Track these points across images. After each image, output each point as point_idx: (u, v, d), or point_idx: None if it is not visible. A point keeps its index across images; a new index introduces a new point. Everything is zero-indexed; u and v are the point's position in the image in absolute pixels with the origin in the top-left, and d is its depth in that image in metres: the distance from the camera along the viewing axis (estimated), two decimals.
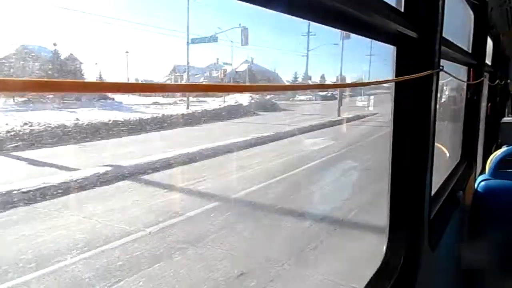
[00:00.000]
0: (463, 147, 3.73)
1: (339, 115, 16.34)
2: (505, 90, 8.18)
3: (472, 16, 3.55)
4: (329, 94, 23.71)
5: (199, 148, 8.58)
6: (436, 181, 3.13)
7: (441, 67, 1.86)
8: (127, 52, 16.35)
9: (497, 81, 5.69)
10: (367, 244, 4.86)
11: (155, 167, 7.12)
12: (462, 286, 3.06)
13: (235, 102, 16.60)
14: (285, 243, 5.04)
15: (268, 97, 20.86)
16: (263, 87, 1.73)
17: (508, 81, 8.79)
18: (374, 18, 1.49)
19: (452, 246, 2.84)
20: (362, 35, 1.74)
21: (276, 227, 5.49)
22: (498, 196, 2.86)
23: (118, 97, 16.71)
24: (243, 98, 17.46)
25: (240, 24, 15.88)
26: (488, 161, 3.24)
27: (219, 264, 4.35)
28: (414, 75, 1.70)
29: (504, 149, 3.04)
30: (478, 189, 2.95)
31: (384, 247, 1.85)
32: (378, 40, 1.75)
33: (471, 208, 3.00)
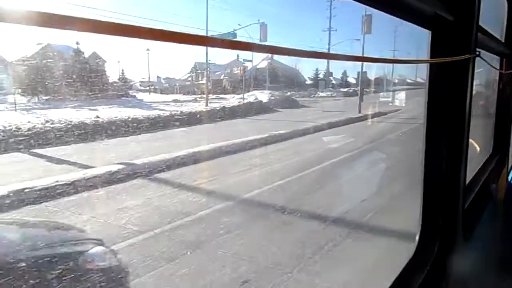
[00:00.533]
0: (495, 140, 3.61)
1: (359, 112, 16.09)
2: None
3: (506, 5, 3.42)
4: (350, 91, 23.45)
5: (215, 145, 8.57)
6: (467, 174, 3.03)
7: (478, 53, 1.78)
8: (148, 50, 16.52)
9: None
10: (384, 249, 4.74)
11: (170, 164, 7.07)
12: (496, 279, 2.95)
13: (255, 99, 16.57)
14: (296, 246, 4.82)
15: (288, 93, 20.74)
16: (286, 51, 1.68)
17: None
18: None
19: (485, 238, 2.75)
20: (397, 16, 1.67)
21: (288, 229, 5.29)
22: None
23: (139, 94, 16.94)
24: (263, 95, 17.40)
25: (259, 20, 15.82)
26: None
27: (222, 270, 4.18)
28: (450, 58, 1.63)
29: None
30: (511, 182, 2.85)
31: (417, 237, 1.80)
32: (413, 23, 1.67)
33: (504, 201, 2.90)
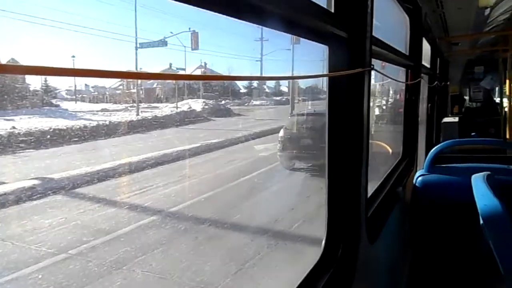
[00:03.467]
0: (404, 145, 3.88)
1: None
2: (445, 92, 8.68)
3: (408, 21, 3.72)
4: (283, 99, 24.02)
5: (144, 156, 8.27)
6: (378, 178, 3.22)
7: (372, 66, 1.90)
8: (73, 56, 15.64)
9: (435, 83, 6.00)
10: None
11: (93, 178, 6.62)
12: (404, 275, 3.16)
13: (188, 108, 16.35)
14: (223, 261, 4.70)
15: (223, 102, 20.73)
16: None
17: (448, 83, 9.35)
18: (305, 19, 1.50)
19: (393, 238, 2.92)
20: (295, 35, 1.75)
21: (217, 243, 5.14)
22: (432, 190, 2.99)
23: (65, 103, 15.95)
24: (197, 104, 17.23)
25: (189, 28, 15.66)
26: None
27: None
28: (345, 71, 1.72)
29: (438, 145, 3.19)
30: (416, 184, 3.07)
31: (323, 243, 1.86)
32: (311, 40, 1.75)
33: (410, 202, 3.12)
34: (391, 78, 3.06)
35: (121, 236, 4.90)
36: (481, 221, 1.96)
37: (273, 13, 1.26)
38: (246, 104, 24.16)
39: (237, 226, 5.62)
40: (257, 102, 24.99)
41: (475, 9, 4.16)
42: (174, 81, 20.73)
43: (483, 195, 2.07)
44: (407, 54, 3.67)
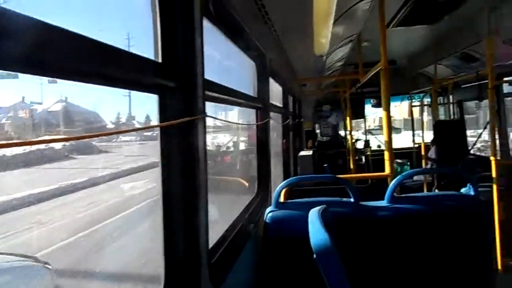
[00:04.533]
0: (258, 181, 4.08)
1: None
2: (300, 128, 9.58)
3: (254, 65, 4.02)
4: (154, 134, 23.52)
5: None
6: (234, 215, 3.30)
7: (205, 113, 1.96)
8: None
9: (288, 120, 6.57)
10: None
11: None
12: None
13: (46, 145, 14.80)
14: None
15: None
16: None
17: (302, 119, 10.35)
18: (130, 72, 1.48)
19: (245, 276, 2.99)
20: (122, 88, 1.71)
21: None
22: (280, 226, 3.17)
23: None
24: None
25: None
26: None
27: None
28: (176, 121, 1.73)
29: (283, 183, 3.41)
30: (267, 220, 3.22)
31: None
32: (139, 91, 1.74)
33: (262, 239, 3.25)
34: (230, 122, 3.22)
35: None
36: (315, 256, 2.10)
37: (97, 72, 1.29)
38: (114, 140, 22.95)
39: (98, 276, 5.10)
40: (127, 138, 23.99)
41: (314, 56, 4.71)
42: (27, 115, 18.61)
43: (315, 230, 2.25)
44: (256, 96, 3.93)
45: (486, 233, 3.16)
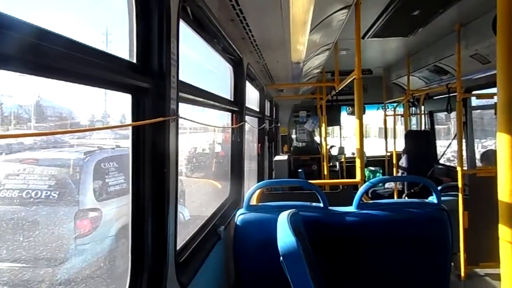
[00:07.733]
0: (231, 184, 4.12)
1: None
2: (275, 133, 9.67)
3: (232, 69, 4.06)
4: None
5: None
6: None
7: (178, 114, 1.99)
8: None
9: (264, 125, 6.64)
10: None
11: None
12: None
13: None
14: None
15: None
16: None
17: (279, 124, 10.46)
18: (104, 71, 1.50)
19: (212, 279, 3.02)
20: (96, 87, 1.73)
21: None
22: (250, 228, 3.23)
23: None
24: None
25: None
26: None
27: None
28: (149, 120, 1.76)
29: (254, 186, 3.47)
30: (237, 222, 3.26)
31: None
32: (113, 90, 1.76)
33: (233, 241, 3.29)
34: (204, 124, 3.26)
35: None
36: (281, 258, 2.16)
37: (71, 70, 1.31)
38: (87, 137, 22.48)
39: None
40: (101, 136, 23.57)
41: (291, 63, 4.80)
42: None
43: (283, 233, 2.30)
44: (232, 99, 3.97)
45: (446, 240, 3.29)
